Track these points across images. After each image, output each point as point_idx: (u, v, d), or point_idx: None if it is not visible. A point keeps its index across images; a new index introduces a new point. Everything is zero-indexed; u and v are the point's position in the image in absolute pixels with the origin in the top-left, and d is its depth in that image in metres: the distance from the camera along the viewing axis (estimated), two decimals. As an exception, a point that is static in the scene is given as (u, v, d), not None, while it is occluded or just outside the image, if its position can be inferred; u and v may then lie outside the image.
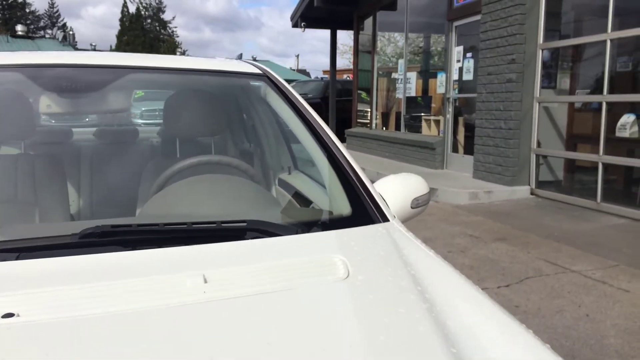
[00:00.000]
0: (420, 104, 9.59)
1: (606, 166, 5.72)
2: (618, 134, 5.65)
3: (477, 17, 7.16)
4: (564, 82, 6.73)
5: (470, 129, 7.64)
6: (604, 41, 5.66)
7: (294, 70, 36.53)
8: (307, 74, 35.45)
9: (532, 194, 6.62)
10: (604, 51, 5.66)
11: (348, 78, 17.50)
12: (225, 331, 0.84)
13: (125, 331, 0.82)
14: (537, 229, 5.11)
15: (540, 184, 6.64)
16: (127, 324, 0.84)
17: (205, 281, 0.96)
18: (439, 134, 8.68)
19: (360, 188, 1.47)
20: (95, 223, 1.14)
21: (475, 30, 7.26)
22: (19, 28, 32.39)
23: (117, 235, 1.14)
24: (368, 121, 11.64)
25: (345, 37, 34.02)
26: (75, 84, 1.76)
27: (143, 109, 7.92)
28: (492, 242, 4.70)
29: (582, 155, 6.26)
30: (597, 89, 6.07)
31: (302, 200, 1.95)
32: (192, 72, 1.85)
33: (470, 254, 4.37)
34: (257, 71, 1.90)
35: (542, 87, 6.55)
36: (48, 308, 0.86)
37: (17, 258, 1.05)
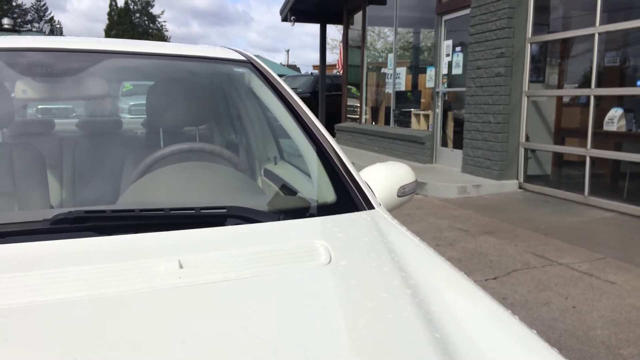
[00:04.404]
0: (409, 98, 9.58)
1: (594, 160, 5.75)
2: (606, 127, 5.67)
3: (467, 11, 7.15)
4: (553, 76, 6.74)
5: (459, 123, 7.64)
6: (592, 35, 5.67)
7: (283, 65, 36.40)
8: (297, 69, 35.35)
9: (520, 187, 6.63)
10: (592, 45, 5.67)
11: (338, 73, 17.44)
12: (199, 316, 0.81)
13: (93, 317, 0.79)
14: (525, 222, 5.11)
15: (529, 178, 6.66)
16: (95, 310, 0.80)
17: (181, 266, 0.93)
18: (428, 128, 8.67)
19: (345, 175, 1.44)
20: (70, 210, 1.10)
21: (464, 24, 7.26)
22: (5, 21, 31.84)
23: (90, 221, 1.10)
24: (358, 116, 11.61)
25: (335, 32, 33.97)
26: (55, 68, 1.71)
27: (131, 103, 7.77)
28: (480, 235, 4.70)
29: (570, 149, 6.29)
30: (585, 82, 6.09)
31: (288, 190, 1.92)
32: (174, 57, 1.80)
33: (459, 247, 4.37)
34: (241, 57, 1.87)
35: (531, 81, 6.55)
36: (13, 294, 0.82)
37: None
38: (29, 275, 0.88)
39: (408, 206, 6.07)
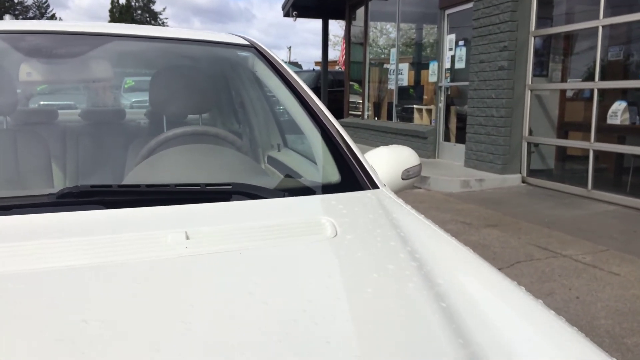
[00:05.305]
0: (412, 94, 9.56)
1: (597, 153, 5.73)
2: (609, 121, 5.65)
3: (470, 5, 7.13)
4: (556, 69, 6.72)
5: (462, 117, 7.62)
6: (596, 28, 5.65)
7: (286, 62, 36.35)
8: (299, 66, 35.31)
9: (523, 182, 6.62)
10: (596, 38, 5.65)
11: (340, 69, 17.41)
12: (207, 283, 0.80)
13: (100, 282, 0.78)
14: (528, 215, 5.10)
15: (532, 172, 6.64)
16: (102, 276, 0.80)
17: (187, 237, 0.93)
18: (430, 123, 8.66)
19: (350, 156, 1.44)
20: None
21: (467, 18, 7.24)
22: (7, 18, 31.90)
23: (96, 195, 1.10)
24: (360, 112, 11.60)
25: (337, 29, 33.87)
26: (58, 51, 1.71)
27: (133, 100, 7.83)
28: (484, 228, 4.69)
29: (573, 143, 6.27)
30: (588, 76, 6.07)
31: (292, 176, 1.91)
32: (178, 41, 1.80)
33: (462, 239, 4.32)
34: (245, 42, 1.86)
35: (534, 74, 6.53)
36: (15, 262, 0.82)
37: None
38: (32, 244, 0.88)
39: (411, 200, 6.06)
